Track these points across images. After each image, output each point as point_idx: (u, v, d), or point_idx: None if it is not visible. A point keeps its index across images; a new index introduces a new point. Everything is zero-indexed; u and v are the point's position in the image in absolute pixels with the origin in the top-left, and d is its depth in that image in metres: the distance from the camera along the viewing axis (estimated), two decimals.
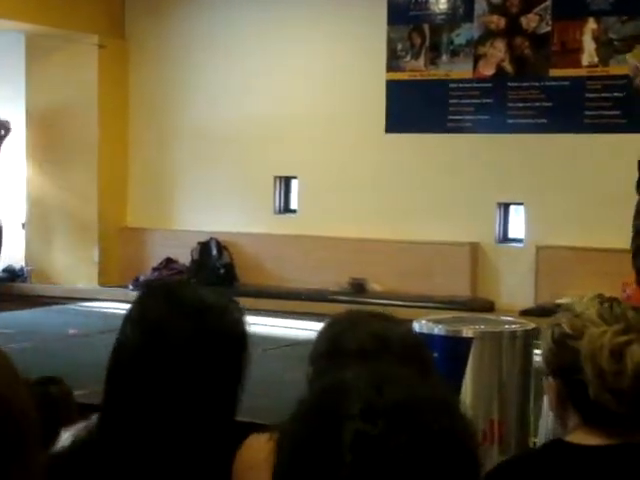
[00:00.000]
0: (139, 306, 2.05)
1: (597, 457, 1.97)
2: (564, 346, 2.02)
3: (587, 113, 8.93)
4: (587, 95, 8.90)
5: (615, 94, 8.73)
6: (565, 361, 2.01)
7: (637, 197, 6.08)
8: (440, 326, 4.32)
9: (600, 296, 2.04)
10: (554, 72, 9.05)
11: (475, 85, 9.33)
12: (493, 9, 9.27)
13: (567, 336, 2.01)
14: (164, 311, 2.00)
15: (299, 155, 10.01)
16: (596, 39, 8.94)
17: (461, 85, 9.38)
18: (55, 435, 2.21)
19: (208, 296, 2.06)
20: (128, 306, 2.09)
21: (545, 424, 3.33)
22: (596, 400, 1.95)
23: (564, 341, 2.02)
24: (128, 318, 2.05)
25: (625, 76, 8.69)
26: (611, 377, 1.93)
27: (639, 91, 6.97)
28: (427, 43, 9.53)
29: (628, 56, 7.51)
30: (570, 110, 8.97)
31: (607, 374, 1.93)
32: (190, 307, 2.01)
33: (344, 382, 1.22)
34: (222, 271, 10.23)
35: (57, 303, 9.76)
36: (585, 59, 8.98)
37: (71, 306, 9.29)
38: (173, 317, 1.98)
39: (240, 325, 2.07)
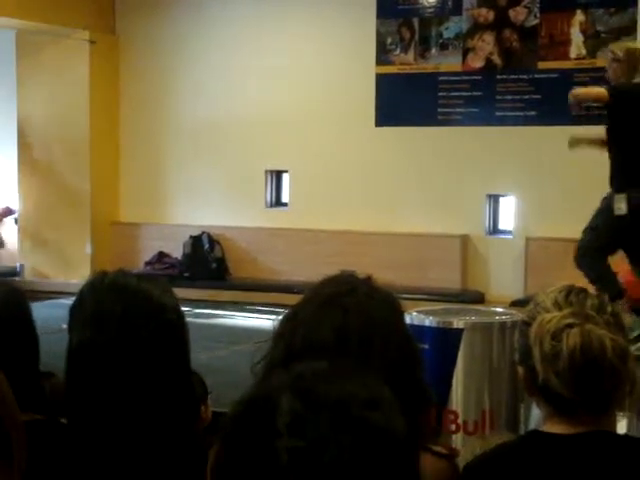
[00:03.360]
0: (93, 304, 2.09)
1: (565, 446, 2.00)
2: (522, 334, 2.08)
3: None
4: (575, 87, 8.93)
5: (603, 86, 8.77)
6: (523, 348, 2.07)
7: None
8: (431, 317, 4.37)
9: (569, 286, 2.09)
10: (542, 64, 9.10)
11: (464, 78, 9.38)
12: (482, 2, 9.31)
13: (524, 323, 2.07)
14: (120, 308, 2.04)
15: (290, 149, 10.05)
16: (584, 31, 8.99)
17: (450, 78, 9.42)
18: None
19: (152, 289, 2.11)
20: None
21: (535, 414, 3.38)
22: (545, 384, 1.99)
23: (522, 329, 2.08)
24: (82, 317, 2.08)
25: None
26: (551, 359, 1.96)
27: (609, 82, 7.14)
28: (416, 37, 9.57)
29: (611, 45, 7.62)
30: (559, 102, 8.99)
31: (548, 356, 1.97)
32: (145, 302, 2.07)
33: (269, 394, 1.19)
34: (214, 265, 10.27)
35: (50, 298, 9.77)
36: (573, 51, 9.03)
37: (64, 300, 9.29)
38: (132, 315, 2.04)
39: (175, 310, 2.12)
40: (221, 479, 1.20)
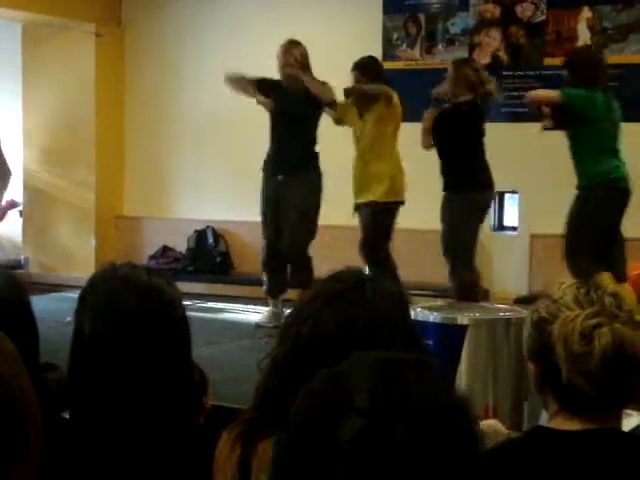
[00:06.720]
0: (106, 296, 2.09)
1: (573, 443, 2.00)
2: (540, 330, 2.06)
3: None
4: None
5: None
6: (540, 345, 2.05)
7: None
8: (435, 314, 4.37)
9: (585, 282, 2.08)
10: (549, 61, 9.08)
11: None
12: None
13: (543, 320, 2.05)
14: (135, 302, 2.06)
15: None
16: (591, 28, 8.97)
17: None
18: None
19: (163, 284, 2.14)
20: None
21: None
22: (569, 383, 1.98)
23: (540, 326, 2.06)
24: (93, 308, 2.09)
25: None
26: (581, 359, 1.96)
27: None
28: (423, 32, 9.56)
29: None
30: None
31: (577, 356, 1.96)
32: (158, 298, 2.09)
33: (350, 371, 1.19)
34: (218, 259, 10.26)
35: (54, 291, 9.78)
36: None
37: (68, 294, 9.30)
38: (145, 310, 2.06)
39: (181, 304, 2.16)
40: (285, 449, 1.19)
